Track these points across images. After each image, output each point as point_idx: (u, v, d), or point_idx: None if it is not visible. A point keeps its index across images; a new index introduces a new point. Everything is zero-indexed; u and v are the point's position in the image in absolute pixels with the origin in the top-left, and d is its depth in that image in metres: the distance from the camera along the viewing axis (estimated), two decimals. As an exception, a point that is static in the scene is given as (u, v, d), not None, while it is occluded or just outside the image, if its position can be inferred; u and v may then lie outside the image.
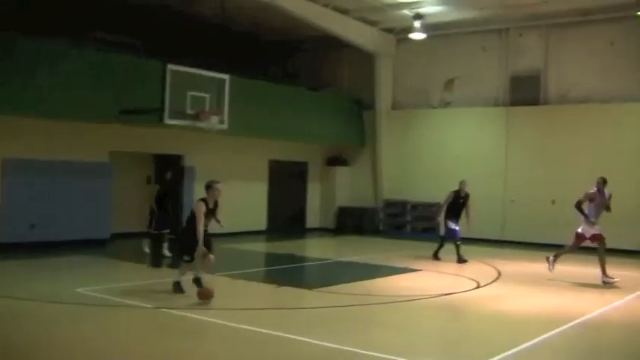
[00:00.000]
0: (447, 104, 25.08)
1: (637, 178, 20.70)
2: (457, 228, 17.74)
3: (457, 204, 17.81)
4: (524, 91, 23.23)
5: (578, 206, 14.37)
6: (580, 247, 15.06)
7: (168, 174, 17.62)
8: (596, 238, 14.52)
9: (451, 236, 17.81)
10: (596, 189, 14.57)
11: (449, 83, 25.02)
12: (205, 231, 11.50)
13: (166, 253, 17.02)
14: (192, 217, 11.51)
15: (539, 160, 22.49)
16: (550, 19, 22.49)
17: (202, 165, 21.37)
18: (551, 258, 15.14)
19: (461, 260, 17.44)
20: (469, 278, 14.77)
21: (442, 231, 18.84)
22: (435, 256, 17.97)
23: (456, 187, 17.95)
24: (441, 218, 18.22)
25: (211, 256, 11.70)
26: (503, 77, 23.85)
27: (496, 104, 23.90)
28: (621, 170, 20.84)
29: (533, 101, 23.07)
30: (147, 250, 17.39)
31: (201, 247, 11.31)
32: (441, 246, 18.12)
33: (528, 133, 22.93)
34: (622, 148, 21.12)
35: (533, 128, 22.87)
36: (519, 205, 22.58)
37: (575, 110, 22.11)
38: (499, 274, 15.75)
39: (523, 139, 22.95)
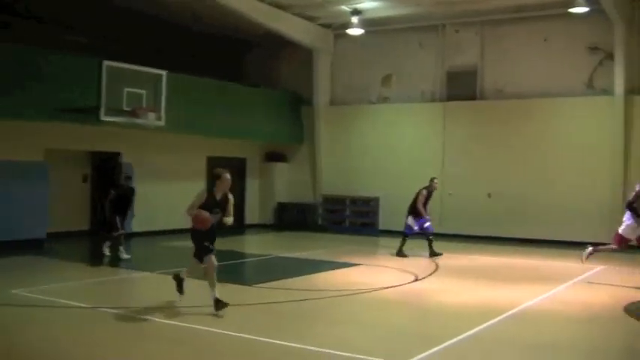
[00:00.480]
0: (384, 100, 25.25)
1: (573, 170, 21.20)
2: (430, 223, 17.84)
3: (428, 200, 17.93)
4: (461, 87, 23.56)
5: (630, 206, 13.45)
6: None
7: (129, 178, 17.32)
8: None
9: (428, 229, 17.79)
10: None
11: (387, 79, 25.21)
12: (212, 228, 10.29)
13: (106, 252, 16.73)
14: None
15: (476, 154, 22.85)
16: (486, 15, 22.82)
17: (140, 162, 21.17)
18: (589, 249, 14.39)
19: (401, 254, 17.65)
20: (408, 272, 14.95)
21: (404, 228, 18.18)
22: (434, 254, 17.54)
23: (418, 183, 18.19)
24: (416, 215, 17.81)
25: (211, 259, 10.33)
26: (440, 73, 24.11)
27: (433, 99, 24.16)
28: (556, 164, 21.42)
29: (470, 96, 23.40)
30: (126, 253, 16.70)
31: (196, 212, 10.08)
32: (430, 242, 17.74)
33: (465, 128, 23.24)
34: (556, 142, 21.61)
35: (469, 123, 23.19)
36: (456, 198, 22.88)
37: (510, 105, 22.51)
38: (437, 266, 15.99)
39: (460, 133, 23.25)
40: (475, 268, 16.39)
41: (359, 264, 16.37)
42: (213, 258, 10.29)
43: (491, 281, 14.22)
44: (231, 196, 10.52)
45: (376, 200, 24.43)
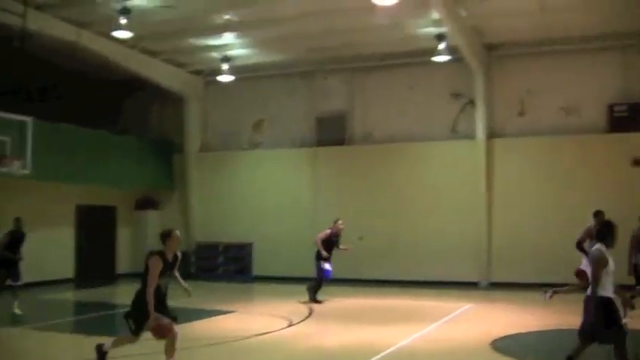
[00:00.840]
0: (256, 145, 25.36)
1: (440, 212, 21.84)
2: (330, 268, 17.65)
3: (331, 243, 17.72)
4: (331, 132, 23.98)
5: (580, 246, 13.24)
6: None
7: (17, 220, 16.25)
8: None
9: (326, 277, 17.64)
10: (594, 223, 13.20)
11: (258, 124, 25.34)
12: (162, 292, 9.70)
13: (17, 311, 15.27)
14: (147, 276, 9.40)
15: (346, 197, 23.12)
16: (353, 62, 23.40)
17: (4, 212, 20.33)
18: (549, 293, 13.74)
19: (316, 301, 17.40)
20: (281, 317, 14.91)
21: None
22: (314, 299, 17.42)
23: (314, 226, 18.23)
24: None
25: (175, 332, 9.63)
26: (309, 118, 24.44)
27: (303, 145, 24.43)
28: (424, 206, 22.01)
29: (339, 141, 23.85)
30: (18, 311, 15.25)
31: (152, 317, 9.37)
32: (318, 287, 17.69)
33: (335, 172, 23.62)
34: (424, 185, 22.27)
35: (339, 167, 23.60)
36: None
37: (378, 150, 23.09)
38: (311, 311, 16.04)
39: (330, 178, 23.59)
40: (349, 310, 16.56)
41: (232, 311, 16.20)
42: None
43: (365, 323, 14.37)
44: (179, 254, 9.90)
45: (250, 246, 24.35)
